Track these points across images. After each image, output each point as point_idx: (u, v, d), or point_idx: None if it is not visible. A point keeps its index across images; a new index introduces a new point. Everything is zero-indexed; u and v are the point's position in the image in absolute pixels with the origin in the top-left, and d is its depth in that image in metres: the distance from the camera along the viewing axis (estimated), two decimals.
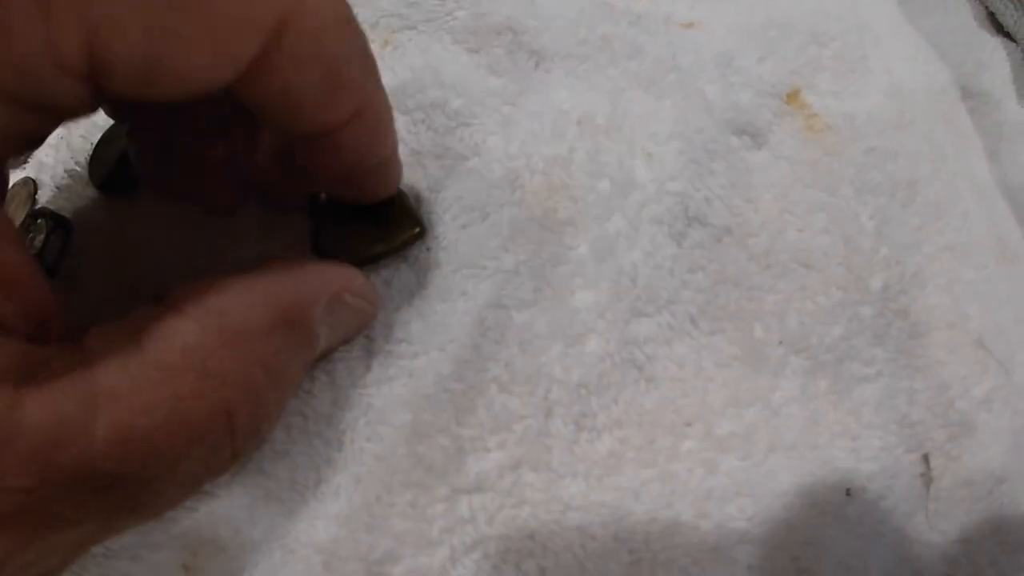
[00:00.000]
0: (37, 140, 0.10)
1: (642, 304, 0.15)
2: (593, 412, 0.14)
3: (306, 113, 0.10)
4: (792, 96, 0.17)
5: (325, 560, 0.15)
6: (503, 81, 0.17)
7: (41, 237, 0.16)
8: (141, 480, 0.09)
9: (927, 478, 0.15)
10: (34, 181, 0.18)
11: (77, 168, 0.17)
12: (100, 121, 0.18)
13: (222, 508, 0.15)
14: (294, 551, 0.15)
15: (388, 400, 0.15)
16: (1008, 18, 0.20)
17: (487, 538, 0.14)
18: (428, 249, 0.15)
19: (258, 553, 0.15)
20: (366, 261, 0.14)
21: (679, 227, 0.15)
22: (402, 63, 0.17)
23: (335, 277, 0.12)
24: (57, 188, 0.17)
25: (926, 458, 0.15)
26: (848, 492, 0.14)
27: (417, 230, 0.15)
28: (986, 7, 0.20)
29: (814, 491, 0.14)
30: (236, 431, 0.10)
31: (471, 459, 0.14)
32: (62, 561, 0.10)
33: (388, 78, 0.13)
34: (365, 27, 0.11)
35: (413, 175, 0.16)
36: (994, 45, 0.20)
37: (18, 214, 0.17)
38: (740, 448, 0.15)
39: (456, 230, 0.15)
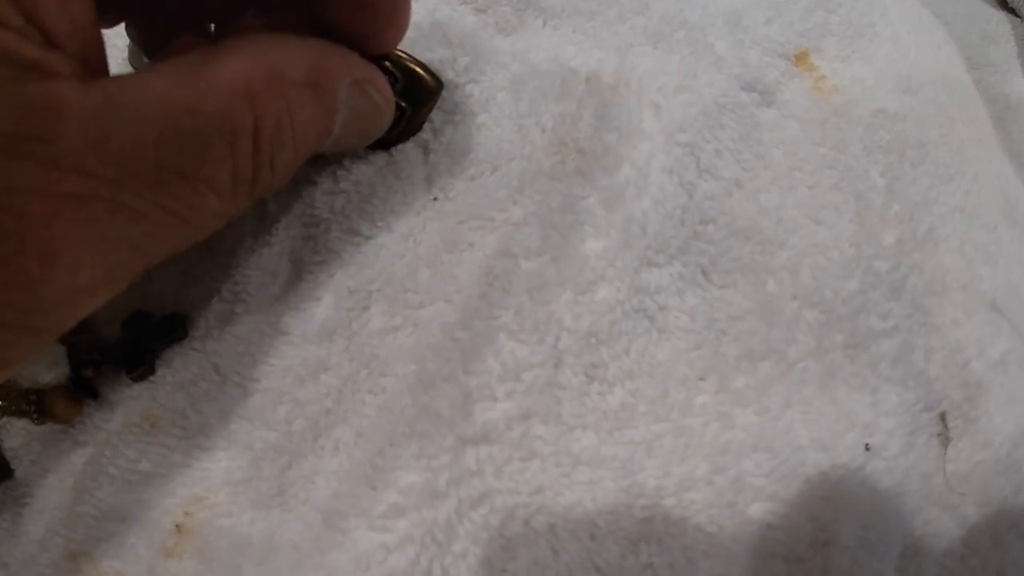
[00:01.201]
0: None
1: (652, 253, 0.14)
2: (604, 363, 0.14)
3: None
4: (800, 58, 0.17)
5: (325, 517, 0.14)
6: (511, 39, 0.17)
7: None
8: (186, 178, 0.11)
9: (944, 438, 0.15)
10: None
11: None
12: None
13: (218, 464, 0.15)
14: (292, 508, 0.15)
15: (392, 351, 0.15)
16: None
17: (495, 491, 0.13)
18: (435, 199, 0.15)
19: (255, 511, 0.15)
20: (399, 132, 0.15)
21: (690, 177, 0.15)
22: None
23: (363, 65, 0.13)
24: None
25: (943, 417, 0.15)
26: (867, 447, 0.14)
27: (437, 85, 0.15)
28: None
29: (833, 446, 0.14)
30: (260, 152, 0.12)
31: (478, 408, 0.14)
32: (111, 275, 0.11)
33: None
34: None
35: (421, 130, 0.16)
36: (999, 19, 0.20)
37: None
38: (756, 402, 0.14)
39: (464, 182, 0.15)
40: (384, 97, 0.14)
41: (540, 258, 0.14)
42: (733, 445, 0.14)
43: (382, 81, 0.14)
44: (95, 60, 0.10)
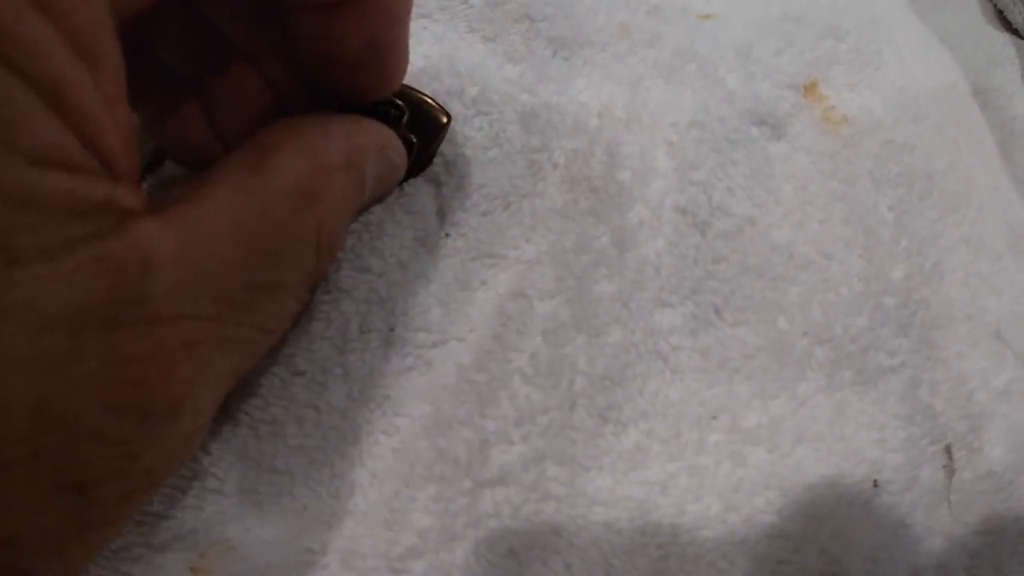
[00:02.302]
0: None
1: (666, 294, 0.15)
2: (618, 404, 0.14)
3: None
4: (809, 88, 0.17)
5: (343, 558, 0.14)
6: (520, 69, 0.17)
7: None
8: (270, 290, 0.11)
9: (949, 469, 0.15)
10: None
11: None
12: None
13: (232, 506, 0.15)
14: (309, 549, 0.15)
15: (406, 391, 0.15)
16: (1016, 16, 0.20)
17: (511, 533, 0.14)
18: (447, 235, 0.15)
19: (270, 553, 0.15)
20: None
21: (703, 216, 0.15)
22: (416, 52, 0.17)
23: (382, 132, 0.14)
24: None
25: (948, 449, 0.15)
26: (875, 483, 0.15)
27: (446, 119, 0.15)
28: (994, 4, 0.21)
29: (842, 483, 0.15)
30: (322, 246, 0.12)
31: (495, 451, 0.14)
32: (216, 403, 0.11)
33: None
34: None
35: (432, 164, 0.16)
36: (1004, 42, 0.20)
37: None
38: (767, 440, 0.15)
39: (476, 217, 0.15)
40: (400, 155, 0.14)
41: (554, 300, 0.15)
42: (745, 483, 0.14)
43: (397, 142, 0.14)
44: (136, 170, 0.10)
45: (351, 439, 0.15)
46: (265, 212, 0.11)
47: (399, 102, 0.15)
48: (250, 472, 0.15)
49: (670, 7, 0.17)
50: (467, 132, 0.16)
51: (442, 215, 0.16)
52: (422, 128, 0.15)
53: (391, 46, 0.13)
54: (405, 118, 0.15)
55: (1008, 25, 0.21)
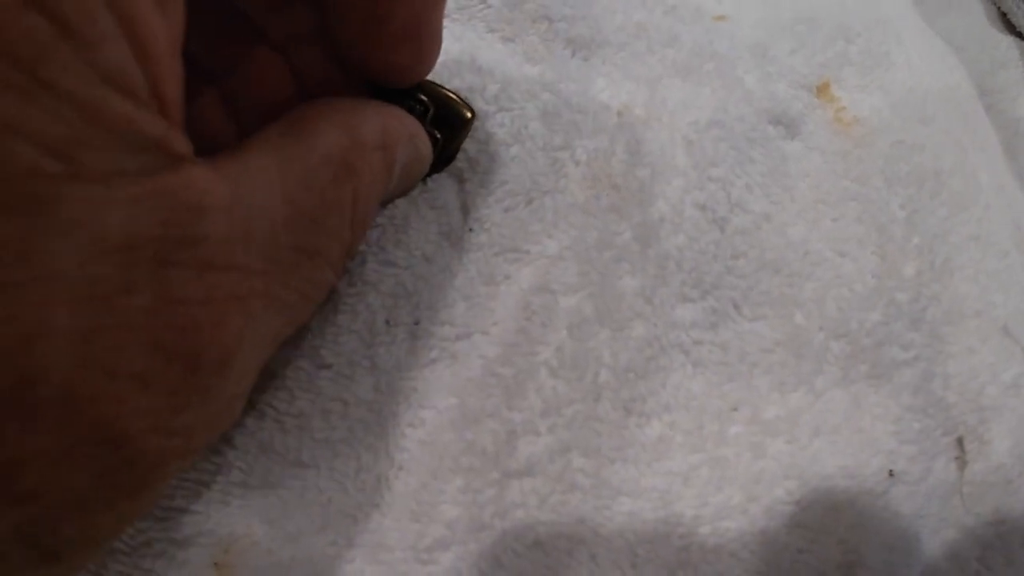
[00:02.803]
0: None
1: (687, 289, 0.15)
2: (642, 396, 0.15)
3: None
4: (822, 89, 0.18)
5: (369, 551, 0.15)
6: (540, 68, 0.17)
7: None
8: (311, 255, 0.11)
9: (961, 461, 0.16)
10: None
11: None
12: None
13: (256, 500, 0.15)
14: (334, 542, 0.15)
15: (431, 384, 0.15)
16: (1020, 19, 0.21)
17: (538, 523, 0.14)
18: (471, 230, 0.16)
19: (295, 547, 0.15)
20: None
21: (722, 213, 0.16)
22: None
23: (411, 121, 0.14)
24: None
25: (960, 441, 0.16)
26: (891, 473, 0.15)
27: (470, 115, 0.15)
28: (998, 7, 0.22)
29: (859, 473, 0.15)
30: (356, 220, 0.12)
31: (522, 443, 0.14)
32: (256, 370, 0.10)
33: None
34: None
35: (456, 159, 0.16)
36: (1008, 44, 0.21)
37: None
38: (786, 432, 0.15)
39: (500, 213, 0.16)
40: (426, 146, 0.14)
41: (577, 294, 0.15)
42: (765, 474, 0.15)
43: (424, 133, 0.14)
44: (183, 121, 0.10)
45: (377, 432, 0.15)
46: (307, 178, 0.11)
47: (424, 97, 0.15)
48: (275, 466, 0.15)
49: (686, 7, 0.18)
50: (489, 128, 0.16)
51: (465, 210, 0.16)
52: (446, 123, 0.16)
53: (428, 24, 0.13)
54: (430, 113, 0.15)
55: (1012, 28, 0.22)
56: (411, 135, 0.14)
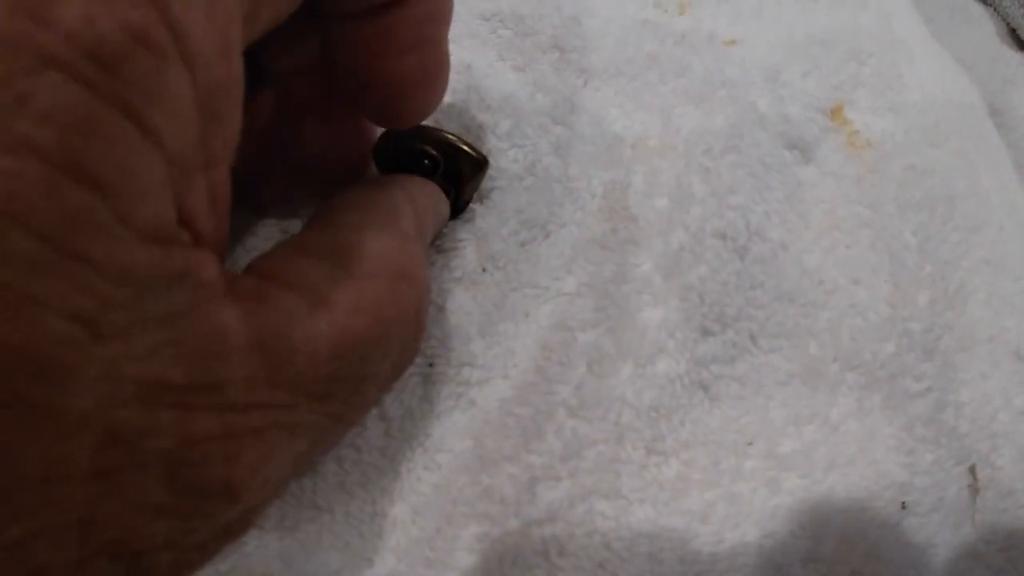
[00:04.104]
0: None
1: (709, 322, 0.16)
2: (663, 435, 0.15)
3: None
4: (836, 112, 0.19)
5: None
6: (552, 99, 0.17)
7: None
8: (354, 382, 0.10)
9: (973, 489, 0.17)
10: None
11: None
12: None
13: (274, 542, 0.16)
14: None
15: (446, 427, 0.16)
16: None
17: (558, 569, 0.15)
18: (484, 270, 0.16)
19: None
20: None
21: (742, 241, 0.16)
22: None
23: (434, 190, 0.14)
24: None
25: (972, 470, 0.17)
26: (904, 506, 0.16)
27: (481, 165, 0.16)
28: (1008, 24, 0.22)
29: (872, 506, 0.16)
30: (420, 326, 0.12)
31: (541, 488, 0.15)
32: (278, 486, 0.10)
33: None
34: None
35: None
36: (1018, 61, 0.22)
37: None
38: (801, 466, 0.16)
39: (515, 248, 0.16)
40: (446, 205, 0.15)
41: (595, 329, 0.16)
42: (781, 510, 0.15)
43: (443, 196, 0.14)
44: (223, 233, 0.10)
45: (392, 476, 0.16)
46: (359, 299, 0.10)
47: (433, 152, 0.15)
48: (291, 509, 0.16)
49: (697, 35, 0.18)
50: (502, 164, 0.17)
51: (480, 249, 0.16)
52: (457, 175, 0.16)
53: (433, 63, 0.13)
54: (440, 167, 0.15)
55: (1022, 45, 0.22)
56: (435, 205, 0.14)
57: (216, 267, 0.09)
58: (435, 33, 0.13)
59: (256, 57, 0.14)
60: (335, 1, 0.11)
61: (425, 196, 0.14)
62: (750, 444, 0.16)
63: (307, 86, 0.14)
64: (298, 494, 0.16)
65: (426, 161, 0.15)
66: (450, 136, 0.15)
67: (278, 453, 0.10)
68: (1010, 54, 0.22)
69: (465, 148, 0.15)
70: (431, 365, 0.16)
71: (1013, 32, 0.22)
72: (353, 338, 0.10)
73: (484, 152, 0.16)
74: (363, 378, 0.11)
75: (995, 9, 0.22)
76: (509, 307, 0.16)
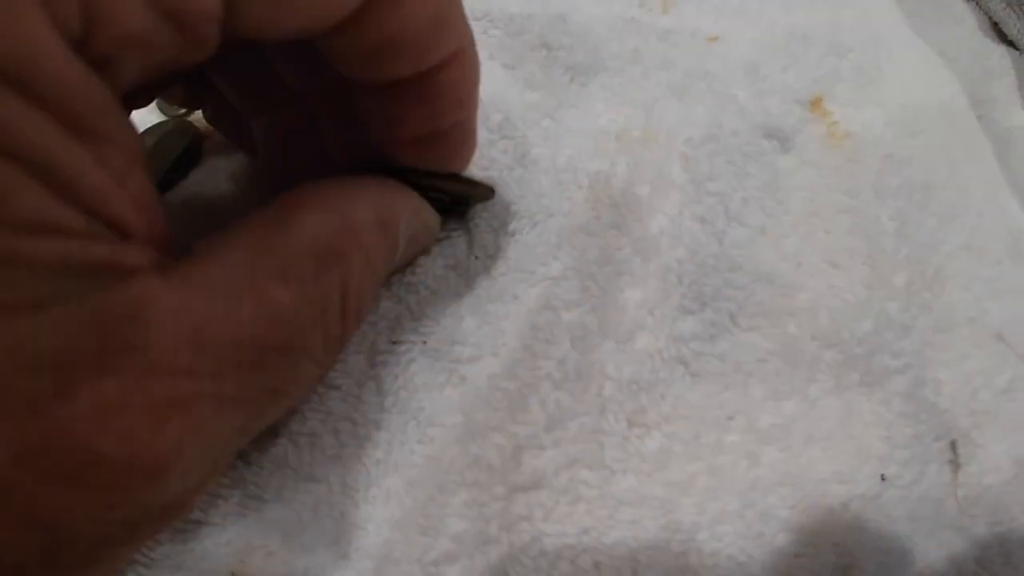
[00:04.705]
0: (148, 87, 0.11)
1: (688, 301, 0.17)
2: (644, 408, 0.16)
3: (414, 52, 0.12)
4: (815, 104, 0.20)
5: (378, 565, 0.16)
6: (540, 95, 0.19)
7: None
8: (285, 356, 0.11)
9: (955, 465, 0.17)
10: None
11: None
12: None
13: (272, 513, 0.17)
14: (346, 555, 0.17)
15: (439, 403, 0.17)
16: (1011, 27, 0.22)
17: (544, 534, 0.16)
18: (476, 258, 0.17)
19: (308, 559, 0.17)
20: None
21: (720, 225, 0.17)
22: None
23: (414, 195, 0.15)
24: None
25: (953, 445, 0.17)
26: (883, 478, 0.16)
27: (488, 192, 0.16)
28: (990, 17, 0.23)
29: (852, 478, 0.16)
30: (348, 309, 0.12)
31: (527, 456, 0.16)
32: (218, 463, 0.11)
33: None
34: None
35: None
36: (1000, 53, 0.23)
37: None
38: (780, 440, 0.17)
39: (505, 238, 0.17)
40: (434, 218, 0.15)
41: (580, 308, 0.17)
42: (761, 481, 0.16)
43: (427, 205, 0.15)
44: (159, 231, 0.10)
45: (387, 448, 0.17)
46: (283, 272, 0.11)
47: (443, 197, 0.16)
48: (289, 481, 0.17)
49: (679, 32, 0.20)
50: (493, 155, 0.18)
51: (471, 240, 0.18)
52: (460, 205, 0.17)
53: (454, 129, 0.14)
54: (446, 201, 0.16)
55: (1004, 37, 0.23)
56: (415, 209, 0.14)
57: (146, 254, 0.10)
58: (452, 111, 0.13)
59: (292, 90, 0.15)
60: (356, 70, 0.12)
61: (397, 193, 0.14)
62: (731, 419, 0.17)
63: (333, 128, 0.15)
64: (296, 467, 0.17)
65: (432, 193, 0.15)
66: (460, 186, 0.16)
67: (209, 427, 0.10)
68: (992, 47, 0.23)
69: (472, 192, 0.16)
70: (425, 343, 0.17)
71: (995, 26, 0.23)
72: (276, 311, 0.11)
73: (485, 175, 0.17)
74: (293, 352, 0.11)
75: (977, 3, 0.23)
76: (498, 290, 0.17)
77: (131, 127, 0.10)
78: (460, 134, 0.14)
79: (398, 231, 0.14)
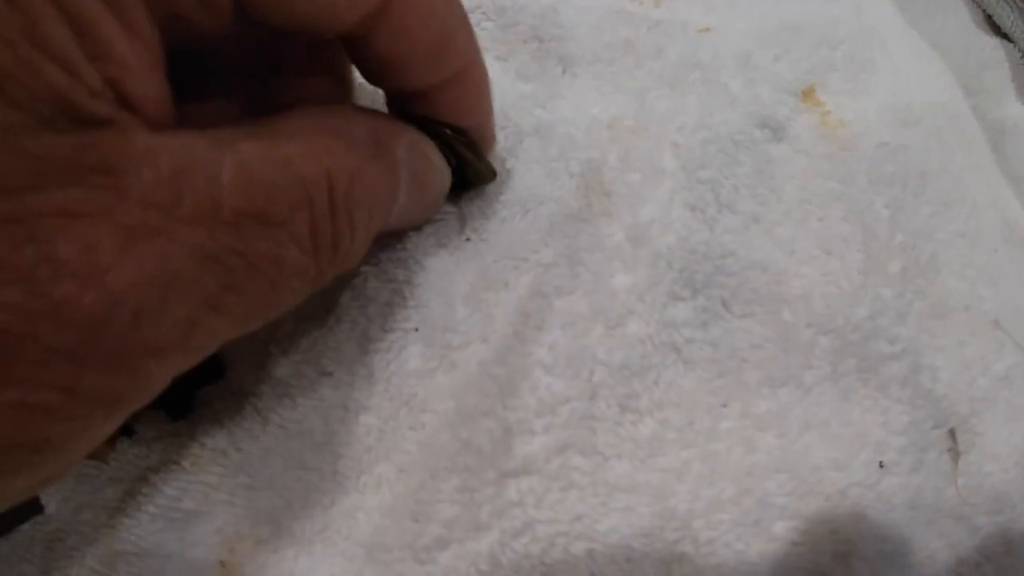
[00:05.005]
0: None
1: (679, 288, 0.17)
2: (636, 394, 0.16)
3: (420, 67, 0.13)
4: (807, 94, 0.20)
5: (368, 552, 0.16)
6: (533, 86, 0.19)
7: None
8: (261, 227, 0.11)
9: (954, 453, 0.17)
10: None
11: None
12: None
13: (261, 501, 0.17)
14: (335, 544, 0.16)
15: (431, 389, 0.17)
16: (1005, 20, 0.23)
17: (536, 521, 0.16)
18: (468, 240, 0.17)
19: (298, 547, 0.17)
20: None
21: (711, 213, 0.17)
22: None
23: (415, 130, 0.15)
24: None
25: (952, 433, 0.17)
26: (881, 464, 0.16)
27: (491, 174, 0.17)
28: (984, 10, 0.23)
29: (849, 465, 0.16)
30: (336, 204, 0.12)
31: (518, 442, 0.16)
32: (189, 332, 0.10)
33: None
34: None
35: None
36: (993, 45, 0.23)
37: None
38: (776, 426, 0.16)
39: (497, 223, 0.17)
40: (441, 160, 0.15)
41: (571, 296, 0.17)
42: (757, 467, 0.16)
43: (434, 147, 0.15)
44: (163, 118, 0.10)
45: (378, 435, 0.17)
46: (266, 150, 0.11)
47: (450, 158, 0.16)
48: (280, 468, 0.17)
49: (671, 23, 0.20)
50: None
51: (463, 221, 0.18)
52: (462, 178, 0.17)
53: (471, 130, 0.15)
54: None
55: (997, 30, 0.23)
56: (413, 141, 0.14)
57: (143, 124, 0.10)
58: (474, 110, 0.15)
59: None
60: (371, 79, 0.13)
61: (393, 120, 0.14)
62: (725, 406, 0.17)
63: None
64: (286, 455, 0.17)
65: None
66: (468, 151, 0.16)
67: (176, 271, 0.10)
68: (985, 39, 0.23)
69: (479, 164, 0.16)
70: (416, 329, 0.17)
71: (988, 18, 0.23)
72: (254, 175, 0.11)
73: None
74: (273, 227, 0.11)
75: None
76: (490, 277, 0.17)
77: (158, 41, 0.10)
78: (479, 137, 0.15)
79: (396, 156, 0.14)
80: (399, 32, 0.13)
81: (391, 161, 0.14)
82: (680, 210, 0.17)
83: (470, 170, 0.17)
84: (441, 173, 0.16)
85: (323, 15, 0.12)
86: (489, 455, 0.16)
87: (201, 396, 0.18)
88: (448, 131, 0.15)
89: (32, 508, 0.18)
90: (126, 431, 0.18)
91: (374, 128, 0.14)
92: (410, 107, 0.15)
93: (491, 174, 0.17)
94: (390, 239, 0.17)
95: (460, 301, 0.17)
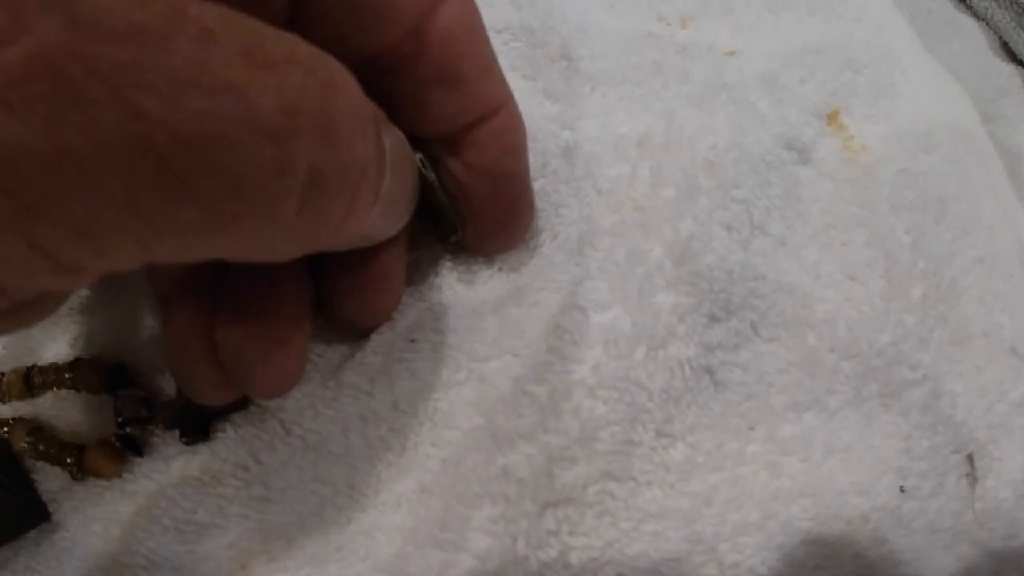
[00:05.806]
0: None
1: (717, 309, 0.17)
2: (672, 418, 0.16)
3: (464, 99, 0.14)
4: (832, 117, 0.20)
5: None
6: (560, 107, 0.19)
7: None
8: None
9: (972, 477, 0.18)
10: None
11: None
12: None
13: (275, 516, 0.17)
14: (351, 565, 0.16)
15: (455, 403, 0.17)
16: (1021, 46, 0.23)
17: (570, 548, 0.16)
18: (500, 269, 0.18)
19: (312, 566, 0.17)
20: None
21: (745, 234, 0.17)
22: None
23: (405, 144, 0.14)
24: None
25: (970, 458, 0.18)
26: (902, 489, 0.17)
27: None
28: (1000, 36, 0.24)
29: (871, 489, 0.17)
30: (336, 133, 0.11)
31: (557, 469, 0.16)
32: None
33: None
34: None
35: None
36: (1010, 72, 0.23)
37: None
38: (801, 450, 0.17)
39: (526, 252, 0.17)
40: (405, 146, 0.14)
41: (610, 311, 0.17)
42: (782, 492, 0.17)
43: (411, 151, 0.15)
44: None
45: (399, 451, 0.17)
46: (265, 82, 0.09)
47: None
48: (296, 481, 0.17)
49: (697, 44, 0.20)
50: None
51: (491, 256, 0.18)
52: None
53: (509, 195, 0.15)
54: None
55: (1013, 56, 0.24)
56: (396, 132, 0.14)
57: None
58: (515, 146, 0.15)
59: None
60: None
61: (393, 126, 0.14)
62: (752, 429, 0.17)
63: None
64: (303, 467, 0.17)
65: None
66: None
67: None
68: (1002, 65, 0.24)
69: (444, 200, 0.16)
70: (442, 341, 0.17)
71: (1005, 45, 0.24)
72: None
73: None
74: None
75: (987, 23, 0.25)
76: (520, 296, 0.17)
77: None
78: (520, 186, 0.16)
79: (383, 139, 0.13)
80: (437, 57, 0.13)
81: (380, 140, 0.13)
82: (717, 229, 0.17)
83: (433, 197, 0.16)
84: (415, 180, 0.15)
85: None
86: (530, 485, 0.16)
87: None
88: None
89: (39, 515, 0.18)
90: (136, 451, 0.18)
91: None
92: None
93: (452, 230, 0.16)
94: (419, 269, 0.18)
95: (489, 313, 0.17)
